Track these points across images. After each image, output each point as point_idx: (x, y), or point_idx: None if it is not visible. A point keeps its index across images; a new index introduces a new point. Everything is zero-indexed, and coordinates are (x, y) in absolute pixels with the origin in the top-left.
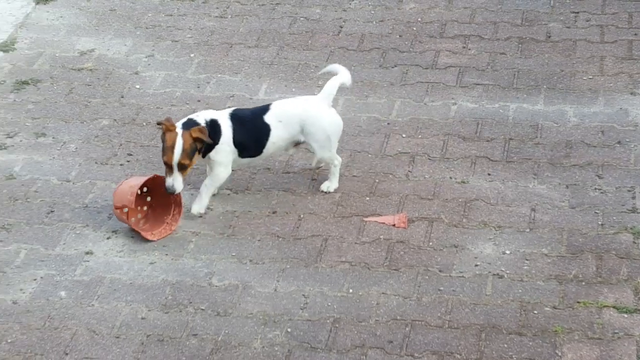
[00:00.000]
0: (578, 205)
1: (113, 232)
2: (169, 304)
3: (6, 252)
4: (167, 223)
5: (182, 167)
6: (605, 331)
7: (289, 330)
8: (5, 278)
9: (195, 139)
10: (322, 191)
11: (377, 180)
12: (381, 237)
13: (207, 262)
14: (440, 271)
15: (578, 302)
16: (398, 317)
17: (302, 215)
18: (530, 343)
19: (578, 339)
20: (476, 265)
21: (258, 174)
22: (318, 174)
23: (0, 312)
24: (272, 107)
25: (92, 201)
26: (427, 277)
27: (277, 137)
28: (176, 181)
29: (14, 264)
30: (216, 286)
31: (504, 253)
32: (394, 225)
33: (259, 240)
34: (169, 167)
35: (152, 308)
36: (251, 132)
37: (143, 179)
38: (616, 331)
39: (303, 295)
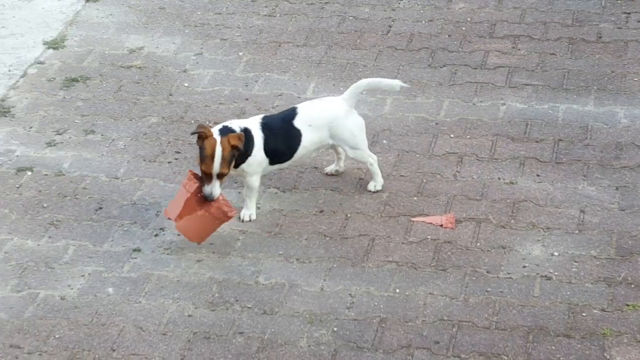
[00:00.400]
0: (628, 207)
1: (160, 229)
2: (216, 302)
3: (55, 248)
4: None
5: (220, 176)
6: None
7: (335, 329)
8: (54, 274)
9: (233, 147)
10: (370, 191)
11: (424, 180)
12: (428, 237)
13: (254, 260)
14: (487, 272)
15: (627, 305)
16: (445, 318)
17: (349, 215)
18: (579, 345)
19: (627, 342)
20: (524, 267)
21: (305, 172)
22: (365, 173)
23: (49, 308)
24: (299, 110)
25: (140, 198)
26: (474, 278)
27: (309, 141)
28: (214, 188)
29: (62, 260)
30: (263, 284)
31: (552, 254)
32: (441, 225)
33: (305, 239)
34: (207, 176)
35: (198, 305)
36: (282, 139)
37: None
38: None
39: (350, 294)
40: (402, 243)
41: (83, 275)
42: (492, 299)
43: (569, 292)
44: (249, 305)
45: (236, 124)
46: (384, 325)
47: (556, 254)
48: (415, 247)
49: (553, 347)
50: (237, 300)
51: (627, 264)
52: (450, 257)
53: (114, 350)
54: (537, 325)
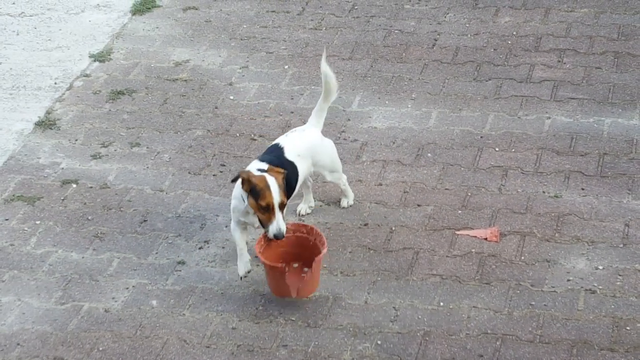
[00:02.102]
0: None
1: (205, 242)
2: (260, 315)
3: (99, 260)
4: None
5: (282, 207)
6: None
7: (379, 342)
8: (98, 286)
9: (283, 174)
10: (344, 207)
11: (469, 194)
12: (473, 250)
13: None
14: (532, 286)
15: None
16: (489, 331)
17: (393, 228)
18: (623, 359)
19: None
20: (568, 280)
21: (350, 185)
22: (410, 186)
23: (93, 320)
24: (283, 144)
25: (184, 211)
26: (518, 292)
27: (302, 171)
28: (280, 222)
29: (107, 272)
30: (307, 297)
31: (596, 268)
32: (485, 239)
33: (350, 252)
34: (269, 211)
35: (242, 318)
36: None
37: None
38: None
39: (394, 307)
40: (447, 256)
41: (127, 288)
42: (536, 313)
43: (613, 306)
44: (293, 318)
45: (253, 168)
46: (427, 338)
47: (600, 267)
48: (460, 260)
49: None
50: (280, 313)
51: None
52: (494, 270)
53: None
54: (581, 339)
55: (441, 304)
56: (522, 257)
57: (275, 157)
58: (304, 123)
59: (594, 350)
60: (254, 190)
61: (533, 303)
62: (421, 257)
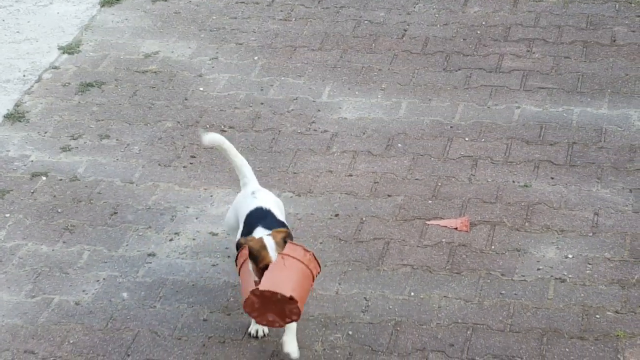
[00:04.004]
0: None
1: (175, 234)
2: (231, 306)
3: (69, 253)
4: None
5: None
6: None
7: (350, 333)
8: (68, 279)
9: (284, 234)
10: None
11: (439, 184)
12: (443, 240)
13: None
14: (502, 275)
15: None
16: (459, 321)
17: (364, 218)
18: (592, 347)
19: None
20: (538, 269)
21: (320, 177)
22: (381, 177)
23: (63, 313)
24: (267, 206)
25: (155, 203)
26: (489, 281)
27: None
28: None
29: (77, 265)
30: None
31: (566, 257)
32: (456, 228)
33: (320, 243)
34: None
35: (214, 310)
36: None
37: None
38: None
39: (364, 298)
40: (417, 246)
41: (98, 280)
42: (507, 302)
43: (582, 295)
44: None
45: (260, 235)
46: (398, 328)
47: (570, 256)
48: (430, 250)
49: (567, 349)
50: None
51: None
52: (464, 260)
53: (128, 355)
54: (551, 327)
55: (412, 293)
56: (493, 247)
57: (275, 222)
58: (274, 114)
59: (564, 339)
60: (252, 254)
61: (503, 292)
62: (392, 247)
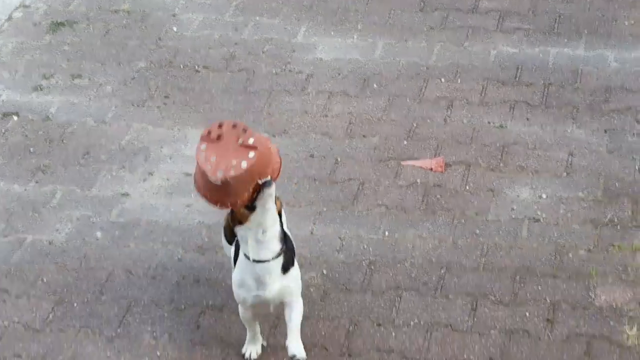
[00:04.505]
0: (616, 150)
1: (149, 174)
2: (205, 246)
3: (42, 193)
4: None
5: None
6: (638, 274)
7: (324, 272)
8: (42, 219)
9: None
10: None
11: (415, 125)
12: (418, 180)
13: None
14: (476, 215)
15: (613, 246)
16: (433, 260)
17: (339, 159)
18: (564, 285)
19: (612, 281)
20: (512, 209)
21: (296, 117)
22: (356, 117)
23: (36, 252)
24: None
25: (128, 143)
26: (463, 221)
27: None
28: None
29: (50, 204)
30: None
31: (540, 197)
32: (431, 169)
33: (295, 184)
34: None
35: (188, 250)
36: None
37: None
38: None
39: (339, 237)
40: (392, 187)
41: (71, 220)
42: (481, 241)
43: (556, 234)
44: None
45: None
46: (373, 267)
47: (544, 196)
48: (405, 190)
49: (539, 287)
50: None
51: (613, 206)
52: (439, 200)
53: (102, 294)
54: (524, 266)
55: (386, 233)
56: (467, 187)
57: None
58: (249, 55)
59: (537, 277)
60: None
61: (477, 232)
62: (366, 188)
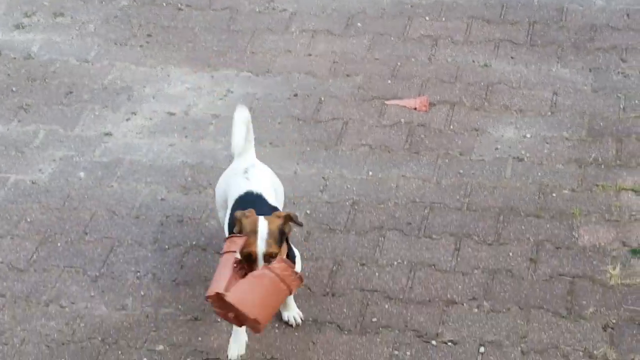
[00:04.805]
0: (601, 88)
1: (132, 113)
2: (189, 186)
3: (25, 132)
4: None
5: (269, 257)
6: (622, 213)
7: (308, 212)
8: (24, 158)
9: (285, 219)
10: None
11: (399, 64)
12: (402, 120)
13: (227, 144)
14: (460, 154)
15: (597, 185)
16: (417, 200)
17: (322, 98)
18: (548, 225)
19: (595, 221)
20: (496, 149)
21: (279, 56)
22: (340, 56)
23: (19, 192)
24: (258, 191)
25: (111, 82)
26: (447, 161)
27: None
28: None
29: (33, 144)
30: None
31: (524, 136)
32: (415, 108)
33: (279, 123)
34: (251, 261)
35: (171, 189)
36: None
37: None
38: (633, 213)
39: (323, 177)
40: (376, 126)
41: (54, 160)
42: (464, 181)
43: (540, 173)
44: None
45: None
46: (356, 207)
47: (528, 135)
48: (389, 130)
49: (523, 227)
50: (210, 184)
51: (597, 145)
52: (423, 140)
53: (86, 234)
54: (507, 205)
55: (370, 173)
56: (451, 127)
57: (266, 209)
58: None
59: (520, 217)
60: (240, 231)
61: (461, 171)
62: (350, 127)
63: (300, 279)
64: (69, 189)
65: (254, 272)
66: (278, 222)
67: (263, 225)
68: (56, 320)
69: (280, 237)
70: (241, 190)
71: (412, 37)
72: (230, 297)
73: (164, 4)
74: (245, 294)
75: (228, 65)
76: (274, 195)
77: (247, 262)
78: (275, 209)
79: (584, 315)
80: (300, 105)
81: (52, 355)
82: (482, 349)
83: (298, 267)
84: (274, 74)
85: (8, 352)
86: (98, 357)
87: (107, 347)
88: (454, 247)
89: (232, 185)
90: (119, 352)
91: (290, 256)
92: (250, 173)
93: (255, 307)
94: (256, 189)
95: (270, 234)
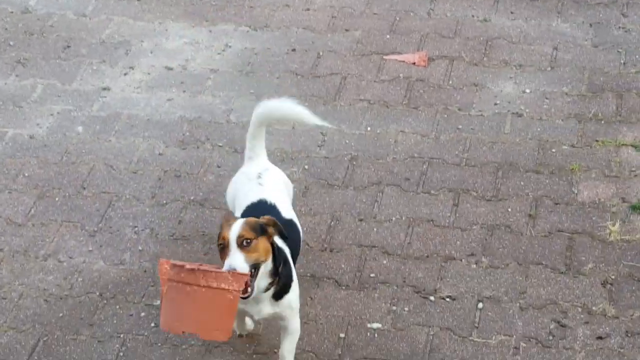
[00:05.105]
0: (601, 43)
1: (130, 68)
2: (187, 141)
3: (22, 86)
4: None
5: (242, 242)
6: (622, 169)
7: (306, 167)
8: (22, 112)
9: (261, 223)
10: None
11: (397, 18)
12: (401, 75)
13: (225, 99)
14: (459, 110)
15: (596, 141)
16: (415, 155)
17: (321, 53)
18: (547, 180)
19: (595, 176)
20: (495, 104)
21: (277, 11)
22: (339, 11)
23: (17, 147)
24: (272, 201)
25: (108, 37)
26: (445, 116)
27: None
28: (234, 257)
29: (31, 98)
30: (234, 123)
31: (524, 92)
32: (414, 63)
33: (277, 78)
34: (225, 248)
35: (169, 144)
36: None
37: None
38: (633, 169)
39: (321, 132)
40: (374, 81)
41: (52, 114)
42: (463, 136)
43: (539, 129)
44: (220, 144)
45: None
46: (354, 162)
47: (528, 91)
48: (387, 85)
49: (522, 183)
50: (208, 139)
51: (597, 100)
52: (422, 95)
53: (84, 189)
54: (506, 161)
55: (368, 128)
56: (450, 82)
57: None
58: None
59: (520, 172)
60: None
61: (460, 127)
62: (349, 82)
63: (246, 276)
64: (66, 143)
65: (178, 289)
66: (262, 220)
67: (239, 223)
68: (54, 274)
69: (260, 229)
70: (254, 198)
71: None
72: (163, 325)
73: None
74: (178, 316)
75: (226, 19)
76: (288, 200)
77: (221, 253)
78: (289, 221)
79: (583, 271)
80: (298, 60)
81: (50, 309)
82: (480, 305)
83: (293, 295)
84: (272, 28)
85: (6, 307)
86: (96, 311)
87: (105, 301)
88: (453, 202)
89: (243, 190)
90: (117, 306)
91: (284, 274)
92: (264, 178)
93: (199, 323)
94: (270, 198)
95: (247, 222)
